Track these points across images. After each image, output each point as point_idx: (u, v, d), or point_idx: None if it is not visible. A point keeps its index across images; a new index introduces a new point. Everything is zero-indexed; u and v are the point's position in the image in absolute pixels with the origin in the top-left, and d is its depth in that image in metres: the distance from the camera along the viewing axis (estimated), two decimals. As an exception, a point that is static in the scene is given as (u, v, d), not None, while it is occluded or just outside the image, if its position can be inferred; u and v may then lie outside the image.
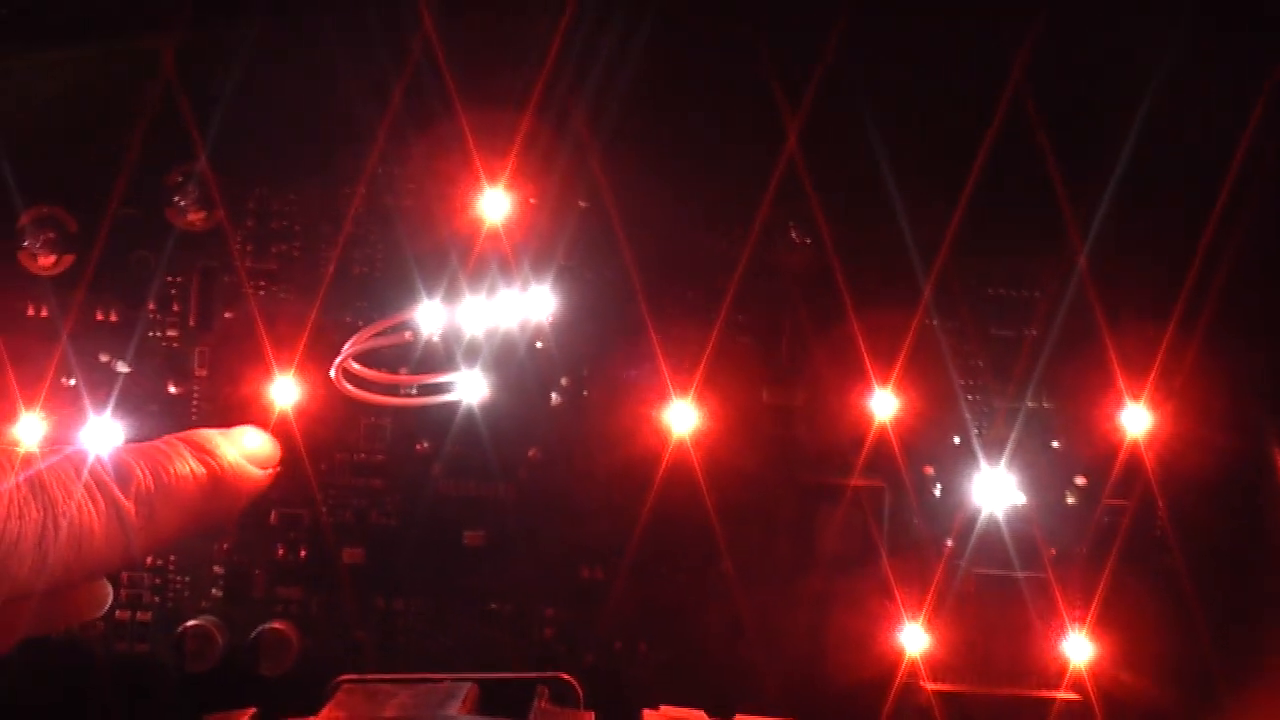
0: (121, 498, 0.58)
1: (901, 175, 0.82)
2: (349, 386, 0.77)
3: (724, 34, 0.83)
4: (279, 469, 0.75)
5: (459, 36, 0.80)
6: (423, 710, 0.67)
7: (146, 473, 0.61)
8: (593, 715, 0.71)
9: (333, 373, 0.76)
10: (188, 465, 0.64)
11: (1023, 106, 0.80)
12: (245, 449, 0.72)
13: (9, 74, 0.82)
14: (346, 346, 0.75)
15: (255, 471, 0.72)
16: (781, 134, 0.81)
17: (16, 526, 0.52)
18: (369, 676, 0.72)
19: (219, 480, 0.67)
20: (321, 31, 0.82)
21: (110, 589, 0.67)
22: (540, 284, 0.80)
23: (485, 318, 0.78)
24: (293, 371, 0.80)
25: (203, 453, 0.67)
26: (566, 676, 0.75)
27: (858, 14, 0.79)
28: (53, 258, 0.82)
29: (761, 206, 0.83)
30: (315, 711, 0.65)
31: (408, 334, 0.76)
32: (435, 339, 0.77)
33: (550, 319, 0.81)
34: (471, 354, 0.80)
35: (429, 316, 0.76)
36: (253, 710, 0.68)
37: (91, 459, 0.58)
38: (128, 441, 0.76)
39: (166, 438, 0.68)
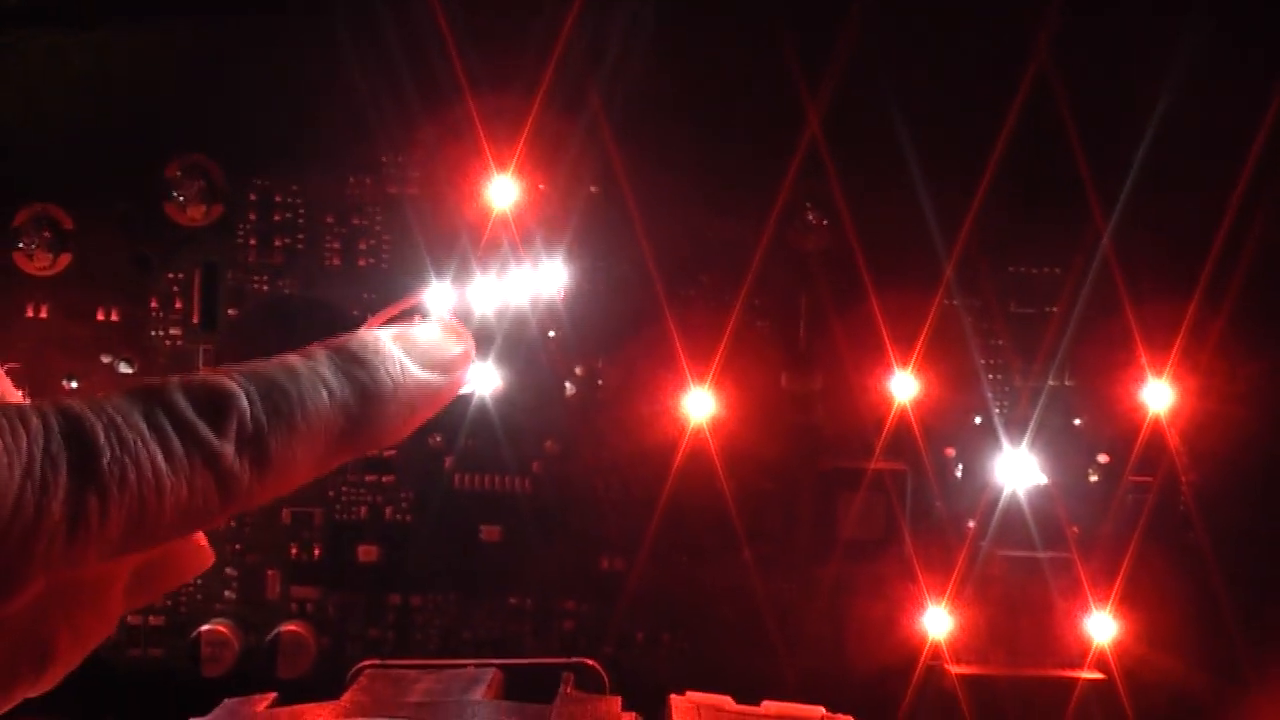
0: (212, 439, 0.41)
1: (921, 154, 0.80)
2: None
3: (741, 13, 0.81)
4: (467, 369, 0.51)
5: (467, 19, 0.77)
6: (447, 695, 0.65)
7: (257, 402, 0.43)
8: (619, 700, 0.70)
9: (342, 365, 0.74)
10: (327, 386, 0.45)
11: (1046, 83, 0.78)
12: (419, 351, 0.50)
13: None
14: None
15: (432, 379, 0.50)
16: (799, 114, 0.79)
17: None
18: (391, 662, 0.70)
19: (375, 399, 0.47)
20: (326, 16, 0.79)
21: (208, 546, 0.48)
22: (552, 259, 0.78)
23: (496, 296, 0.76)
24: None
25: (353, 363, 0.47)
26: (591, 662, 0.73)
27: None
28: (49, 257, 0.79)
29: (780, 188, 0.81)
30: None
31: (417, 317, 0.74)
32: (446, 319, 0.75)
33: (562, 294, 0.79)
34: (484, 342, 0.78)
35: (438, 298, 0.74)
36: (273, 695, 0.66)
37: (171, 391, 0.40)
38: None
39: (308, 347, 0.47)
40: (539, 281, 0.77)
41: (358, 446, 0.46)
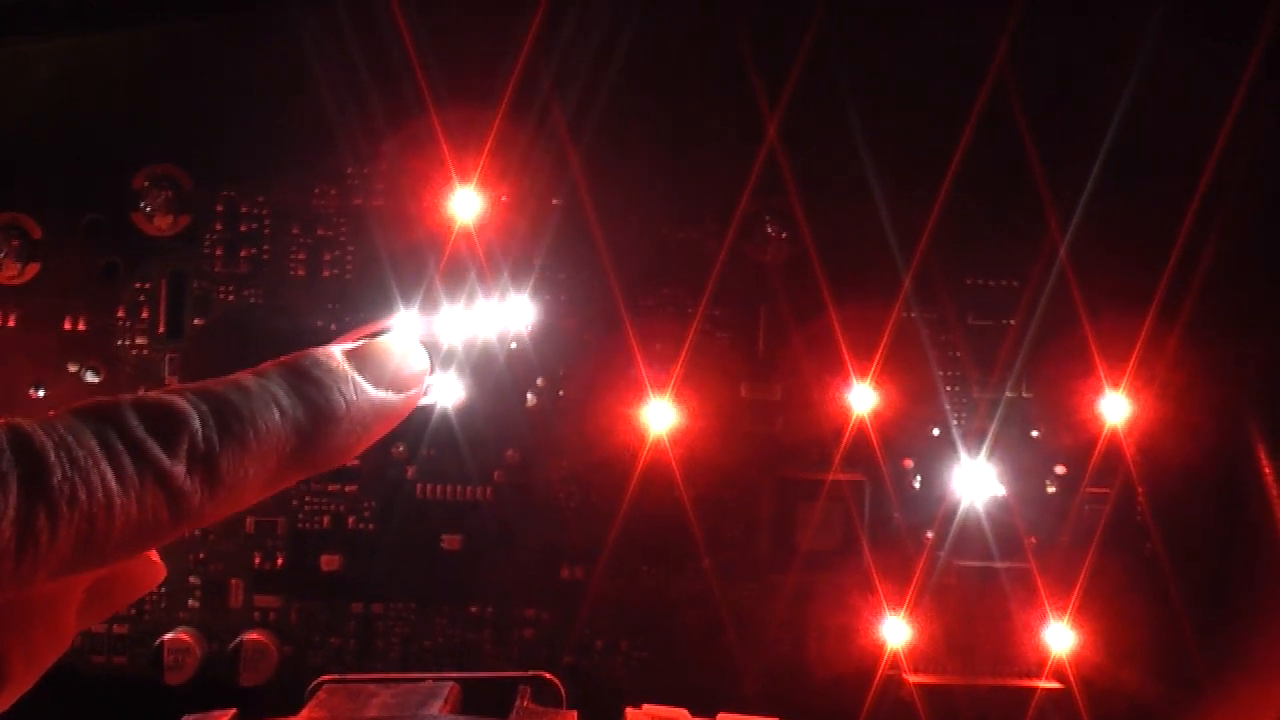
0: (163, 458, 0.41)
1: (880, 167, 0.81)
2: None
3: (701, 27, 0.82)
4: (426, 387, 0.54)
5: (431, 33, 0.78)
6: (404, 709, 0.66)
7: (209, 421, 0.43)
8: (575, 714, 0.71)
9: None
10: (279, 404, 0.46)
11: (1004, 96, 0.79)
12: (374, 369, 0.51)
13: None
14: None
15: (386, 398, 0.51)
16: (759, 127, 0.80)
17: None
18: (350, 677, 0.70)
19: (327, 418, 0.47)
20: (291, 28, 0.80)
21: (160, 563, 0.52)
22: (519, 293, 0.79)
23: (463, 328, 0.77)
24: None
25: (306, 381, 0.48)
26: (548, 676, 0.74)
27: (836, 7, 0.78)
28: (18, 266, 0.80)
29: (740, 201, 0.82)
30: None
31: (381, 342, 0.75)
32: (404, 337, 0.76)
33: (529, 329, 0.80)
34: (447, 354, 0.79)
35: (405, 326, 0.75)
36: (233, 711, 0.67)
37: (123, 411, 0.42)
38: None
39: (262, 366, 0.49)
40: (506, 315, 0.78)
41: (311, 465, 0.47)
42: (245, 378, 0.46)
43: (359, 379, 0.49)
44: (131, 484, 0.40)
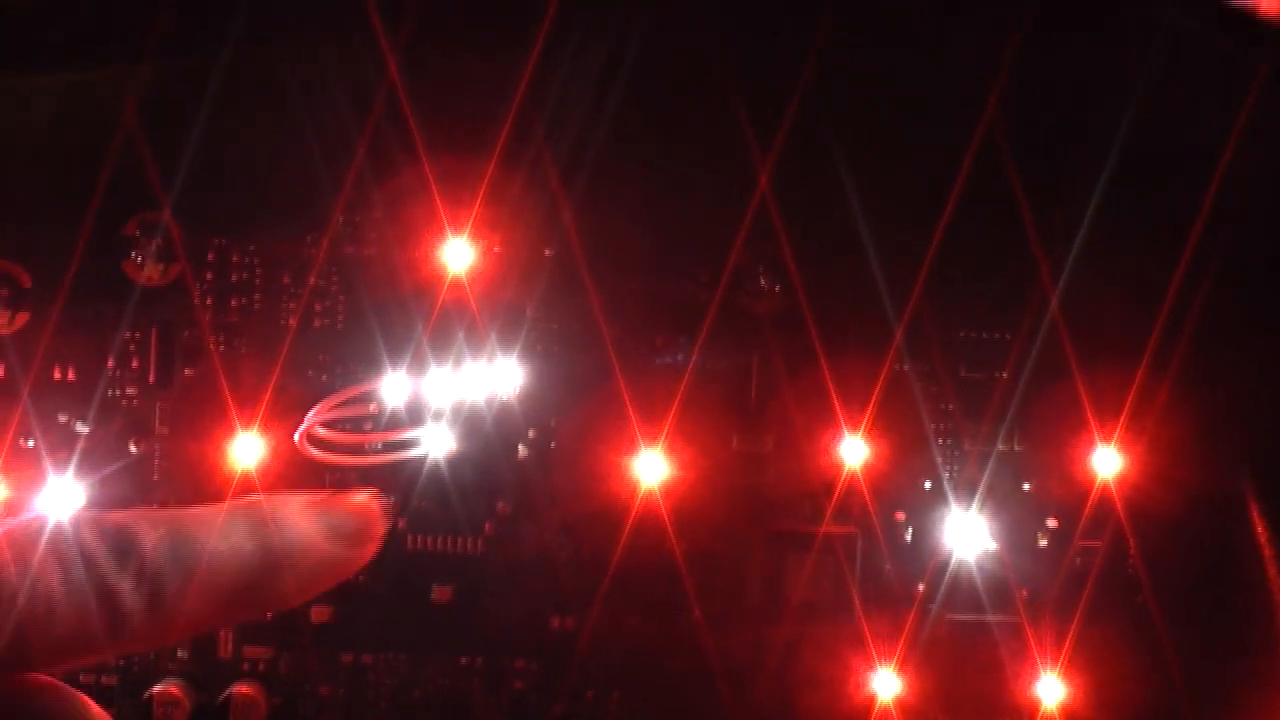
0: (112, 573, 0.43)
1: (872, 220, 0.81)
2: (314, 451, 0.76)
3: (693, 77, 0.82)
4: (380, 545, 0.55)
5: (423, 80, 0.78)
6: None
7: (161, 544, 0.45)
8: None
9: (297, 438, 0.75)
10: (232, 538, 0.48)
11: (995, 149, 0.79)
12: (332, 524, 0.52)
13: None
14: (310, 415, 0.74)
15: (338, 553, 0.52)
16: (751, 179, 0.80)
17: None
18: None
19: (277, 566, 0.49)
20: (280, 75, 0.80)
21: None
22: (508, 355, 0.79)
23: (451, 390, 0.77)
24: (256, 428, 0.79)
25: (264, 526, 0.49)
26: (538, 726, 0.74)
27: (828, 58, 0.78)
28: (8, 315, 0.80)
29: (731, 252, 0.82)
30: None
31: (372, 406, 0.75)
32: (400, 410, 0.76)
33: (517, 391, 0.80)
34: (438, 412, 0.79)
35: (394, 388, 0.75)
36: None
37: (80, 521, 0.44)
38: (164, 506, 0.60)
39: (227, 503, 0.50)
40: (494, 378, 0.78)
41: (257, 607, 0.48)
42: (207, 511, 0.46)
43: (316, 532, 0.49)
44: (75, 594, 0.41)
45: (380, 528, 0.53)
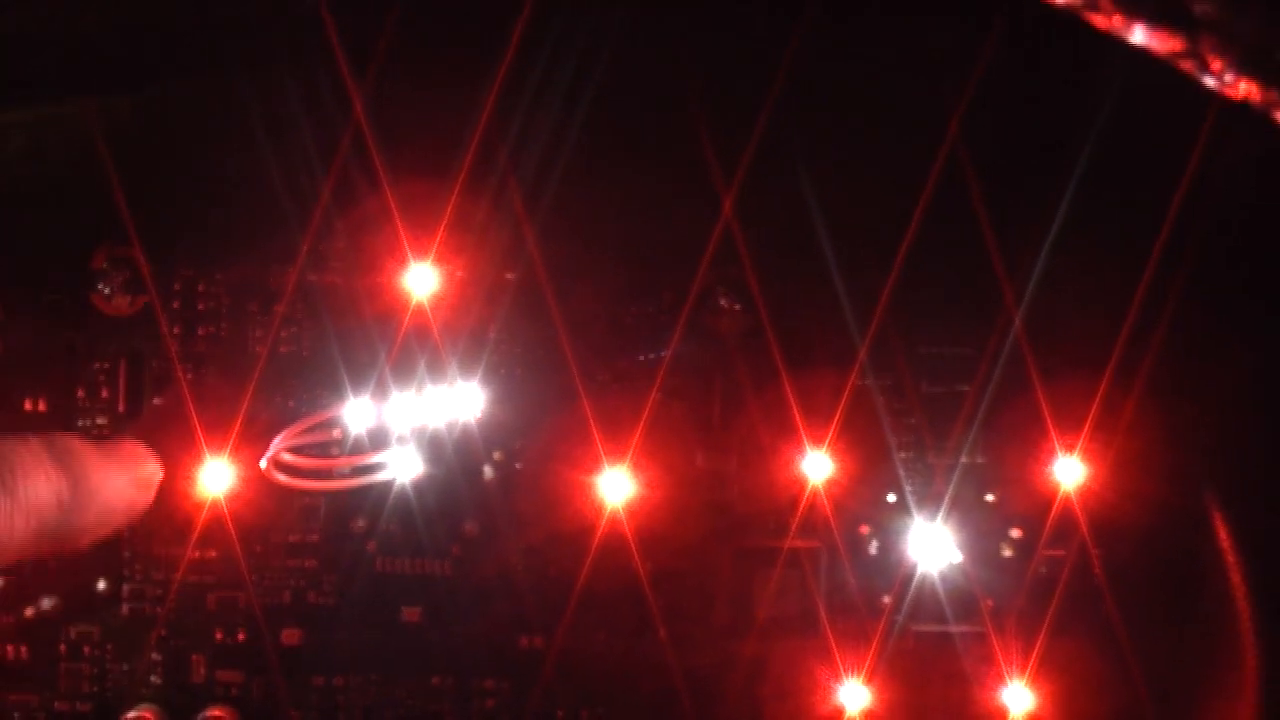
0: None
1: (834, 237, 0.81)
2: (281, 476, 0.77)
3: (656, 101, 0.83)
4: (158, 491, 0.70)
5: (386, 106, 0.79)
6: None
7: None
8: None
9: (263, 464, 0.76)
10: (45, 472, 0.59)
11: (958, 164, 0.80)
12: (121, 464, 0.66)
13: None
14: (275, 442, 0.75)
15: (129, 491, 0.67)
16: (713, 199, 0.81)
17: None
18: None
19: (84, 490, 0.61)
20: (245, 107, 0.81)
21: None
22: (469, 379, 0.80)
23: (414, 415, 0.77)
24: (225, 455, 0.80)
25: (64, 456, 0.61)
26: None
27: (791, 79, 0.79)
28: (-25, 347, 0.81)
29: (695, 272, 0.82)
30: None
31: (336, 432, 0.76)
32: (363, 435, 0.77)
33: (479, 417, 0.81)
34: (403, 434, 0.80)
35: (357, 414, 0.76)
36: None
37: None
38: None
39: (27, 437, 0.61)
40: (456, 402, 0.79)
41: (66, 537, 0.62)
42: (18, 441, 0.59)
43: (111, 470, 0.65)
44: None
45: (157, 474, 0.70)
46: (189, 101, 0.82)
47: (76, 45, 0.78)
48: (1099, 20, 0.46)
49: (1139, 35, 0.45)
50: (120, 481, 0.65)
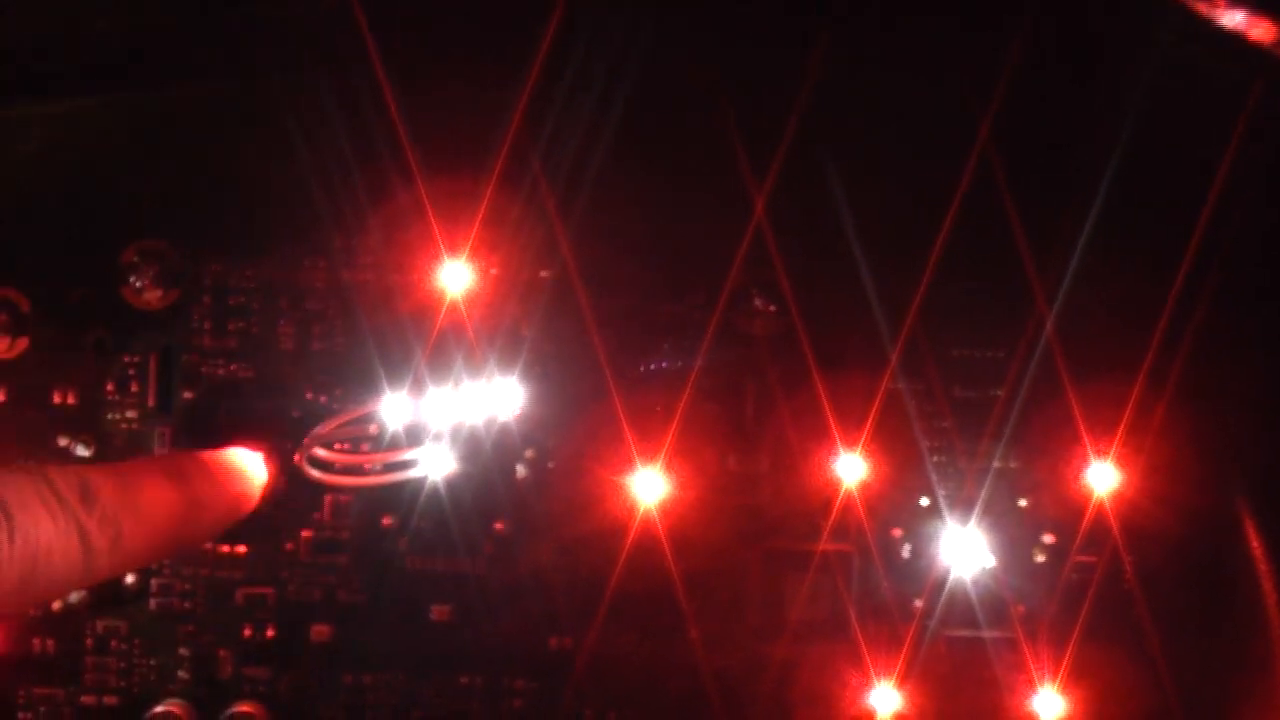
0: (84, 515, 0.56)
1: (866, 241, 0.81)
2: (314, 471, 0.76)
3: (690, 102, 0.82)
4: (268, 492, 0.76)
5: (419, 105, 0.78)
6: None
7: (115, 492, 0.58)
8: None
9: (297, 459, 0.75)
10: (162, 487, 0.63)
11: (989, 170, 0.80)
12: (228, 471, 0.71)
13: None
14: (311, 435, 0.75)
15: (237, 494, 0.71)
16: (746, 202, 0.80)
17: None
18: None
19: (196, 504, 0.66)
20: (278, 103, 0.80)
21: None
22: (507, 375, 0.79)
23: (451, 411, 0.77)
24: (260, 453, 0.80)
25: (179, 474, 0.65)
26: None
27: (823, 84, 0.78)
28: (6, 340, 0.81)
29: (728, 274, 0.82)
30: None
31: (373, 427, 0.75)
32: (400, 431, 0.76)
33: (517, 413, 0.80)
34: (437, 434, 0.79)
35: (394, 410, 0.75)
36: None
37: (55, 474, 0.56)
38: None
39: (143, 458, 0.70)
40: (494, 399, 0.79)
41: (186, 542, 0.67)
42: (137, 463, 0.65)
43: (219, 478, 0.70)
44: (61, 535, 0.54)
45: (265, 475, 0.76)
46: (222, 99, 0.82)
47: (113, 43, 0.77)
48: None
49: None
50: (233, 489, 0.70)
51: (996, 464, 0.84)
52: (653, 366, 0.84)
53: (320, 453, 0.77)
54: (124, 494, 0.59)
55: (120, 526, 0.57)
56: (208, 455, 0.72)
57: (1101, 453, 0.82)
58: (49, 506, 0.54)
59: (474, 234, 0.80)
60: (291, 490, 0.81)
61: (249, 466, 0.74)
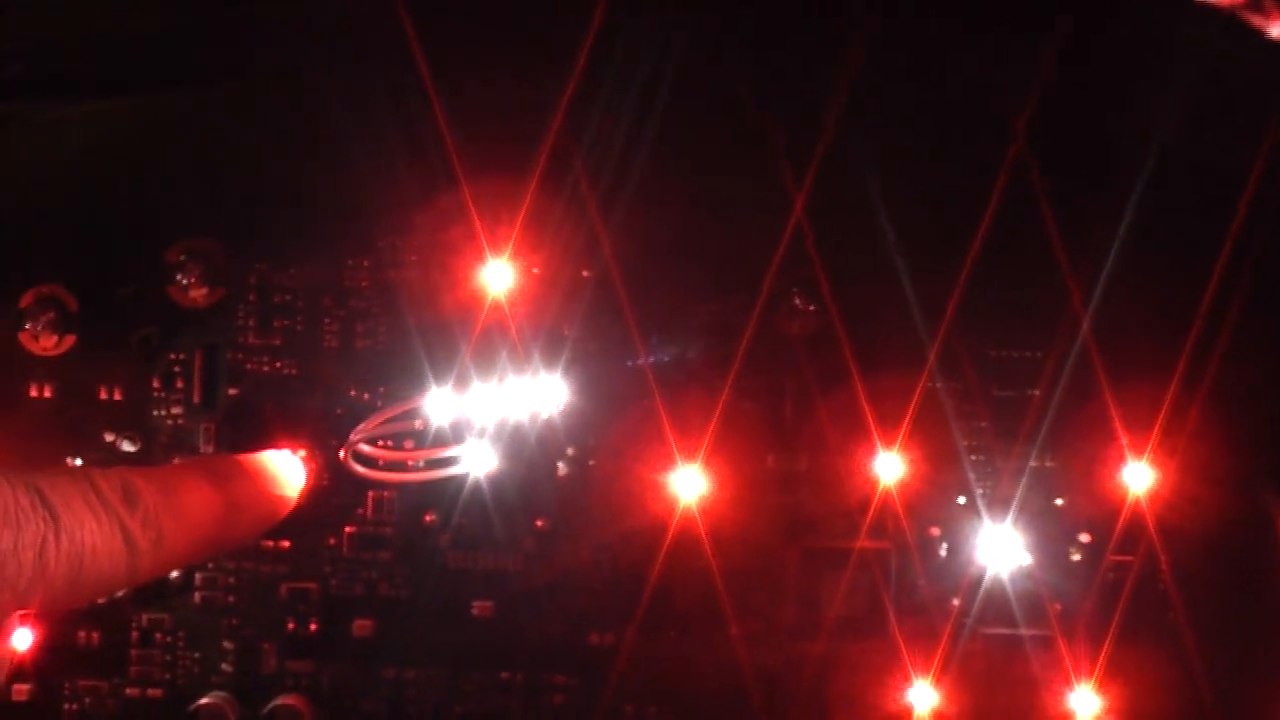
0: (127, 517, 0.57)
1: (904, 240, 0.82)
2: (359, 467, 0.77)
3: (729, 103, 0.83)
4: (305, 494, 0.77)
5: (462, 105, 0.79)
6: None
7: (156, 495, 0.59)
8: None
9: (342, 455, 0.76)
10: (202, 489, 0.64)
11: (1026, 169, 0.80)
12: (266, 475, 0.72)
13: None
14: (356, 431, 0.75)
15: (276, 497, 0.72)
16: (786, 202, 0.81)
17: (13, 536, 0.50)
18: None
19: (235, 506, 0.67)
20: (322, 102, 0.81)
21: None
22: (551, 372, 0.80)
23: (495, 407, 0.78)
24: (302, 449, 0.81)
25: (219, 478, 0.66)
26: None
27: (861, 84, 0.79)
28: (54, 338, 0.81)
29: (767, 274, 0.83)
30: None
31: (418, 422, 0.76)
32: (445, 427, 0.77)
33: (561, 409, 0.81)
34: (481, 430, 0.80)
35: (438, 404, 0.76)
36: None
37: (99, 476, 0.57)
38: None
39: (184, 461, 0.72)
40: (538, 394, 0.79)
41: (226, 543, 0.69)
42: (180, 466, 0.68)
43: (249, 477, 0.71)
44: (105, 529, 0.54)
45: (304, 478, 0.77)
46: (270, 97, 0.83)
47: (160, 41, 0.78)
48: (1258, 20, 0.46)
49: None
50: (271, 492, 0.71)
51: (1033, 463, 0.85)
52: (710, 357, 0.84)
53: (364, 449, 0.77)
54: (165, 495, 0.59)
55: (161, 527, 0.58)
56: (246, 458, 0.73)
57: (1137, 452, 0.83)
58: (93, 508, 0.55)
59: (516, 234, 0.81)
60: (335, 486, 0.82)
61: (287, 469, 0.75)
